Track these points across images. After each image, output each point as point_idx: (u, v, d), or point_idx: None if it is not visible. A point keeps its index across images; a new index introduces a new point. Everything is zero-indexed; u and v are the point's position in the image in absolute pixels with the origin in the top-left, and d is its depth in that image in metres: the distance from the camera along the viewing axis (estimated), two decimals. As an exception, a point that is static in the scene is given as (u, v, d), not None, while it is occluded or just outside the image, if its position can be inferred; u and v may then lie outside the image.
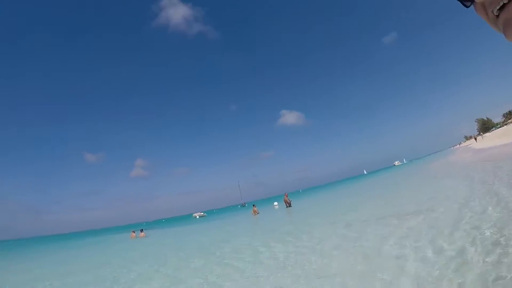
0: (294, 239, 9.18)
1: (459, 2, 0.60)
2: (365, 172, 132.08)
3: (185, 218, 76.51)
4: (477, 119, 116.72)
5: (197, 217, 62.64)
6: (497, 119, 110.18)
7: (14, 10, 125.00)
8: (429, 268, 4.14)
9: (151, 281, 7.32)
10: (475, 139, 73.10)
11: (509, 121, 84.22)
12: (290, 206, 26.46)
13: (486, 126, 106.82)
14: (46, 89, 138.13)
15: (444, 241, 5.14)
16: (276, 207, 33.81)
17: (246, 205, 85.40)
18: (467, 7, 0.61)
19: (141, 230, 28.11)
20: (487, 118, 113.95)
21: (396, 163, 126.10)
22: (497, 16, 0.55)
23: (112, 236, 41.34)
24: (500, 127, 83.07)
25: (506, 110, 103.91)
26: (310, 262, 6.02)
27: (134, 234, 27.42)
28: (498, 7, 0.53)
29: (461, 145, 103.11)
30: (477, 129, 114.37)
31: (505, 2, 0.51)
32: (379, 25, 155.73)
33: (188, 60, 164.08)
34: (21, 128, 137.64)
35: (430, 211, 8.21)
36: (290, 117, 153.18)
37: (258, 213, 26.93)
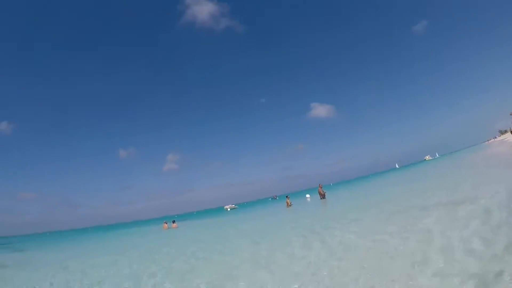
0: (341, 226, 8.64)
1: None
2: (397, 166, 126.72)
3: (217, 210, 77.29)
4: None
5: (228, 209, 62.93)
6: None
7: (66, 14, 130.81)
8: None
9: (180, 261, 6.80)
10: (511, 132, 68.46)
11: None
12: (324, 197, 25.44)
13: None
14: (83, 89, 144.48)
15: None
16: (308, 199, 33.26)
17: (277, 198, 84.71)
18: None
19: (173, 221, 28.33)
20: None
21: (427, 157, 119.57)
22: None
23: (145, 227, 42.37)
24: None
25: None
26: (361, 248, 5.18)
27: (166, 225, 27.68)
28: None
29: (496, 139, 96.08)
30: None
31: None
32: (408, 14, 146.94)
33: (216, 55, 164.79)
34: (62, 128, 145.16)
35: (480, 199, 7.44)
36: (320, 110, 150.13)
37: (291, 205, 26.17)
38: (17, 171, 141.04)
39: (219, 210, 74.36)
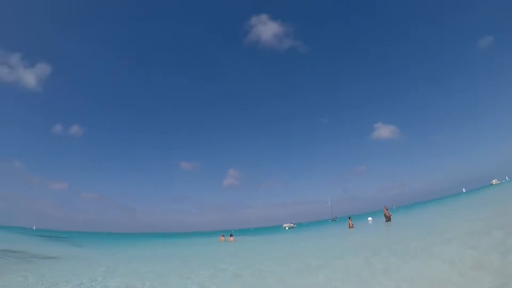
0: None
1: None
2: (464, 191, 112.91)
3: (274, 228, 76.70)
4: None
5: (287, 228, 62.04)
6: None
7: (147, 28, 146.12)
8: None
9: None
10: None
11: None
12: (389, 220, 23.81)
13: None
14: (150, 103, 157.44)
15: None
16: (370, 222, 31.77)
17: (337, 219, 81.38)
18: None
19: (231, 235, 28.76)
20: None
21: (494, 181, 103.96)
22: None
23: (202, 239, 43.61)
24: None
25: None
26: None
27: (223, 238, 28.20)
28: None
29: None
30: None
31: None
32: (474, 28, 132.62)
33: (280, 75, 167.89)
34: (129, 134, 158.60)
35: None
36: (384, 131, 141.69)
37: (352, 226, 24.97)
38: (83, 172, 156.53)
39: (277, 228, 73.66)
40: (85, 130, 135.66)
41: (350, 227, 24.88)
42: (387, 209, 24.69)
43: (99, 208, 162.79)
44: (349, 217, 27.26)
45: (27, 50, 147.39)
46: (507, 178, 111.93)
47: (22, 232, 55.04)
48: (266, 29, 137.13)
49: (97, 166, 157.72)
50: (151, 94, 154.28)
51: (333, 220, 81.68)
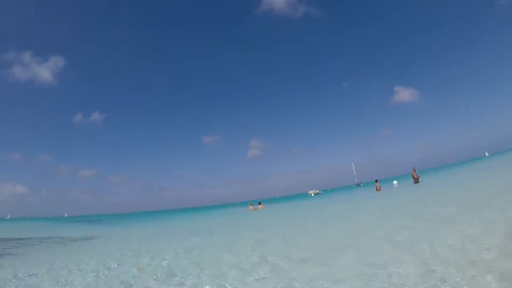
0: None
1: None
2: (486, 154, 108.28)
3: (300, 196, 77.96)
4: None
5: (312, 194, 62.95)
6: None
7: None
8: None
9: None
10: None
11: None
12: (418, 182, 23.68)
13: None
14: (165, 81, 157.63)
15: None
16: (396, 185, 31.77)
17: (361, 184, 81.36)
18: None
19: (259, 203, 29.52)
20: None
21: None
22: None
23: (230, 209, 45.02)
24: None
25: None
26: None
27: (252, 207, 29.06)
28: None
29: None
30: None
31: None
32: None
33: (296, 41, 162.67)
34: (147, 115, 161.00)
35: None
36: (404, 94, 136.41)
37: (380, 189, 25.07)
38: (109, 156, 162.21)
39: (302, 195, 74.83)
40: (105, 116, 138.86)
41: (377, 189, 25.00)
42: (415, 171, 24.46)
43: (127, 190, 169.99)
44: (376, 180, 27.21)
45: (38, 47, 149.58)
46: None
47: (55, 220, 58.64)
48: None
49: (122, 150, 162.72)
50: (167, 72, 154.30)
51: (358, 185, 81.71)
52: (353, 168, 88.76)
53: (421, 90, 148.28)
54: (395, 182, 35.44)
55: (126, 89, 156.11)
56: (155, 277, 5.09)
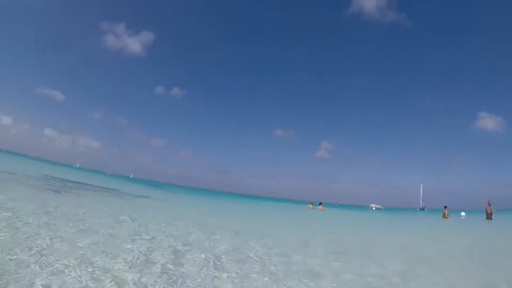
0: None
1: None
2: None
3: (360, 207, 76.46)
4: None
5: (374, 208, 61.63)
6: None
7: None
8: None
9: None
10: None
11: None
12: (491, 218, 22.78)
13: None
14: (249, 70, 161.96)
15: None
16: (463, 217, 30.08)
17: (425, 209, 76.45)
18: None
19: (320, 204, 30.30)
20: None
21: None
22: None
23: (290, 205, 46.35)
24: None
25: None
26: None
27: (311, 206, 30.13)
28: None
29: None
30: None
31: None
32: None
33: (382, 47, 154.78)
34: (224, 95, 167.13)
35: None
36: (489, 121, 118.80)
37: (448, 217, 24.61)
38: (181, 131, 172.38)
39: (363, 207, 73.33)
40: (185, 93, 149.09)
41: (445, 216, 24.59)
42: (490, 205, 23.53)
43: (193, 166, 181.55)
44: (445, 206, 26.30)
45: (131, 20, 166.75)
46: None
47: (120, 178, 65.93)
48: (369, 0, 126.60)
49: (195, 127, 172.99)
50: (251, 60, 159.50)
51: (422, 209, 76.93)
52: (421, 191, 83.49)
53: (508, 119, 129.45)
54: (463, 213, 33.62)
55: (209, 70, 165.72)
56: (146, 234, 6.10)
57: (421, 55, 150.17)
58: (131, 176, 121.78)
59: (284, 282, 3.97)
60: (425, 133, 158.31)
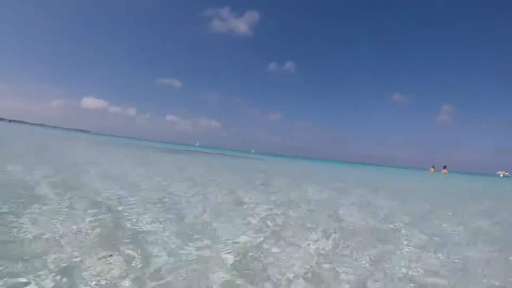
0: None
1: None
2: None
3: (485, 174, 70.66)
4: None
5: (501, 175, 57.14)
6: None
7: None
8: None
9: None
10: None
11: None
12: None
13: None
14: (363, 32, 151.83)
15: None
16: None
17: None
18: None
19: (444, 167, 29.94)
20: None
21: None
22: None
23: (412, 170, 46.31)
24: None
25: None
26: None
27: (432, 169, 30.14)
28: None
29: None
30: None
31: None
32: None
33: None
34: (340, 67, 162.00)
35: None
36: None
37: None
38: (296, 103, 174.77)
39: (488, 175, 67.74)
40: (297, 66, 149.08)
41: None
42: None
43: (310, 137, 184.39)
44: None
45: (235, 3, 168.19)
46: None
47: (243, 154, 69.41)
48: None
49: (309, 98, 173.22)
50: (371, 32, 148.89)
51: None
52: None
53: None
54: None
55: (318, 43, 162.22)
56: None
57: None
58: (253, 151, 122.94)
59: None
60: None
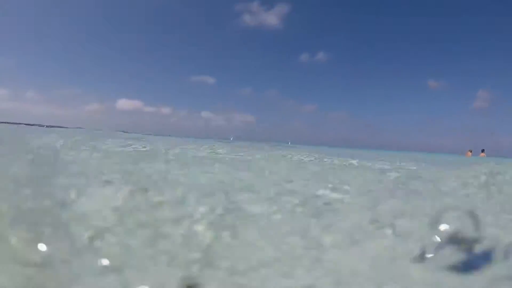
0: None
1: None
2: None
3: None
4: None
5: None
6: None
7: None
8: None
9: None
10: None
11: None
12: None
13: None
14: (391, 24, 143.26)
15: None
16: None
17: None
18: None
19: (482, 150, 29.22)
20: None
21: None
22: None
23: (448, 156, 45.41)
24: None
25: None
26: None
27: (470, 153, 29.72)
28: None
29: None
30: None
31: None
32: None
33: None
34: (370, 57, 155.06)
35: None
36: None
37: None
38: (330, 93, 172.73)
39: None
40: (330, 56, 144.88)
41: None
42: None
43: (346, 126, 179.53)
44: None
45: None
46: None
47: (279, 145, 73.03)
48: None
49: (343, 88, 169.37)
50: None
51: None
52: None
53: None
54: None
55: (348, 32, 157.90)
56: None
57: None
58: (289, 143, 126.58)
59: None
60: None
